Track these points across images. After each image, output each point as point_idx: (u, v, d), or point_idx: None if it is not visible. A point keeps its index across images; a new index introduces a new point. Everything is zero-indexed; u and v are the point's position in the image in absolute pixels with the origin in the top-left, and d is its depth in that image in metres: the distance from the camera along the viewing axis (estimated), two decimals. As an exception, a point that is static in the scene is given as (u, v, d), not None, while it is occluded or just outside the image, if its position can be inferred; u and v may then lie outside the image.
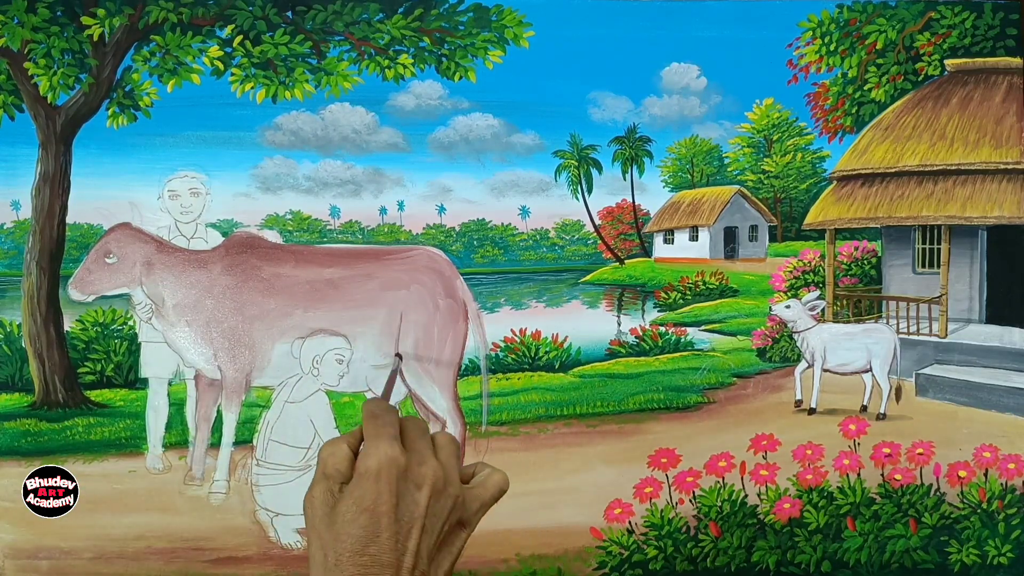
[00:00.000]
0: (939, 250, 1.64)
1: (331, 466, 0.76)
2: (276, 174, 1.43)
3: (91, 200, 1.41)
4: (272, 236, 1.44)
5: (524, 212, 1.51)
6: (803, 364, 1.55)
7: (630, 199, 1.52)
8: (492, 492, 0.81)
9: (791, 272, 1.57)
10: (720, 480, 1.48)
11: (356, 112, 1.44)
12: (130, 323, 1.43)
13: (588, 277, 1.54)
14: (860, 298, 1.61)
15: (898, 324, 1.61)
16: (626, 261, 1.55)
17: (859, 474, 1.49)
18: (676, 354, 1.53)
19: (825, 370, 1.55)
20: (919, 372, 1.59)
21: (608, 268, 1.54)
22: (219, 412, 1.43)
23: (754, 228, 1.62)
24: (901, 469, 1.50)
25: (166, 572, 1.38)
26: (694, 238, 1.62)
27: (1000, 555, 1.49)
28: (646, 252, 1.56)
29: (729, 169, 1.55)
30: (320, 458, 0.77)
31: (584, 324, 1.52)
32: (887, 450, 1.50)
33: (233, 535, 1.40)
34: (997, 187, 1.55)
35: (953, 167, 1.57)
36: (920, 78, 1.53)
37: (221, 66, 1.41)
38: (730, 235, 1.63)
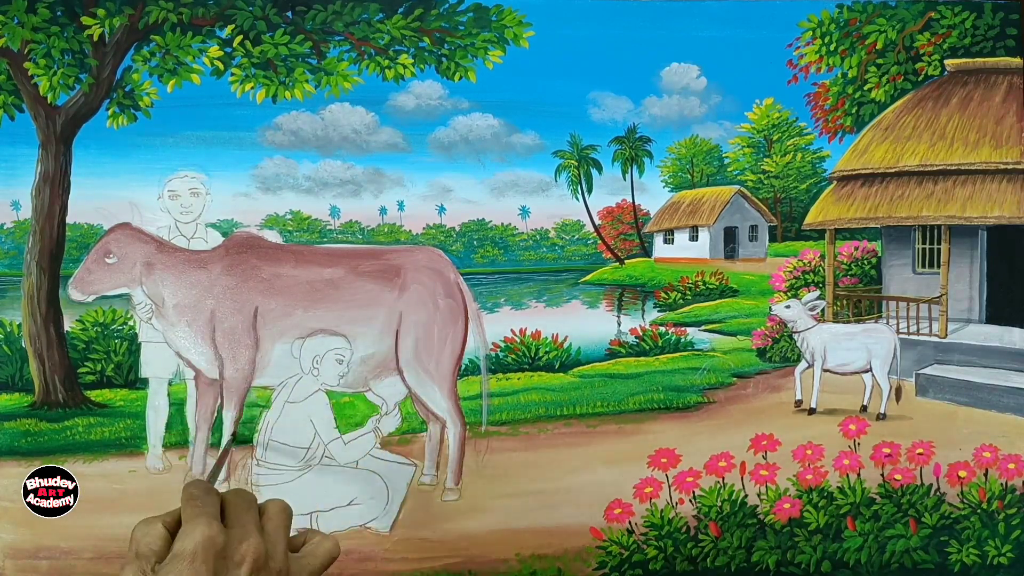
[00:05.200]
0: (939, 250, 1.64)
1: (144, 545, 0.76)
2: (276, 174, 1.43)
3: (91, 200, 1.40)
4: (272, 236, 1.44)
5: (524, 212, 1.51)
6: (803, 364, 1.55)
7: (630, 199, 1.52)
8: (322, 559, 0.82)
9: (791, 272, 1.57)
10: (720, 480, 1.48)
11: (356, 112, 1.44)
12: (130, 323, 1.43)
13: (588, 277, 1.54)
14: (860, 298, 1.61)
15: (898, 324, 1.61)
16: (626, 261, 1.55)
17: (859, 474, 1.49)
18: (676, 354, 1.53)
19: (825, 370, 1.55)
20: (919, 372, 1.59)
21: (608, 268, 1.54)
22: (219, 412, 1.43)
23: (754, 228, 1.62)
24: (901, 469, 1.50)
25: (166, 572, 1.38)
26: (694, 238, 1.62)
27: (1000, 555, 1.49)
28: (646, 252, 1.56)
29: (729, 169, 1.55)
30: (133, 537, 0.77)
31: (584, 324, 1.52)
32: (887, 450, 1.50)
33: (233, 535, 1.40)
34: (997, 187, 1.55)
35: (953, 167, 1.57)
36: (920, 78, 1.53)
37: (221, 66, 1.41)
38: (730, 235, 1.63)
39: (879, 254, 1.61)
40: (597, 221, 1.51)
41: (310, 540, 0.83)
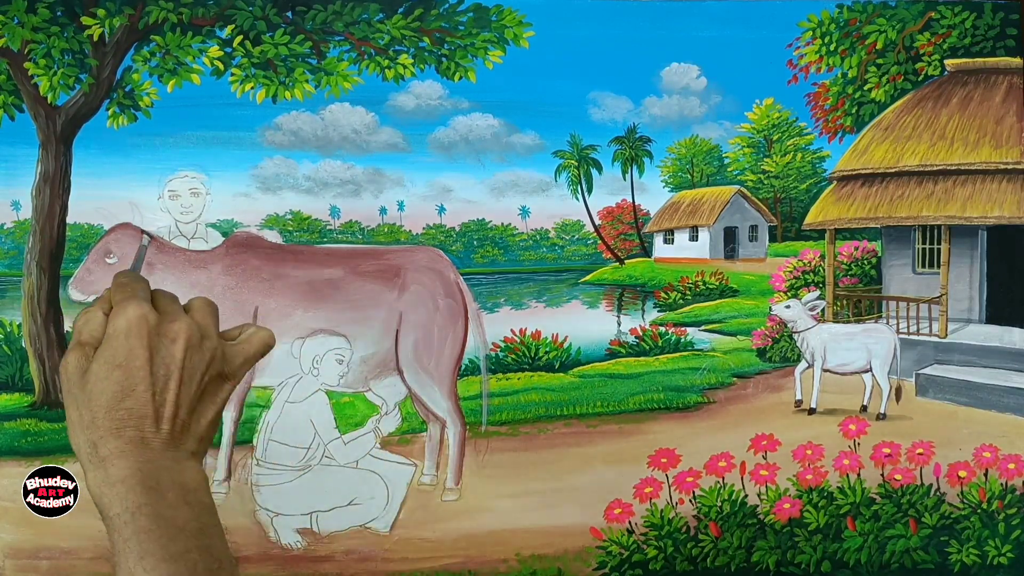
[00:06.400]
0: (939, 250, 1.64)
1: (86, 333, 0.76)
2: (276, 174, 1.43)
3: (91, 200, 1.41)
4: (272, 236, 1.44)
5: (524, 212, 1.51)
6: (803, 364, 1.55)
7: (630, 199, 1.52)
8: (257, 347, 0.83)
9: (791, 272, 1.57)
10: (720, 480, 1.48)
11: (356, 112, 1.44)
12: (130, 323, 1.43)
13: (588, 277, 1.54)
14: (860, 298, 1.61)
15: (898, 324, 1.61)
16: (626, 261, 1.55)
17: (859, 474, 1.49)
18: (676, 354, 1.53)
19: (825, 370, 1.55)
20: (919, 372, 1.59)
21: (608, 268, 1.54)
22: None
23: (754, 228, 1.62)
24: (901, 469, 1.50)
25: (166, 572, 1.38)
26: (694, 238, 1.62)
27: (1000, 555, 1.49)
28: (646, 252, 1.56)
29: (729, 169, 1.55)
30: (75, 328, 0.78)
31: (584, 324, 1.52)
32: (887, 450, 1.50)
33: (233, 535, 1.40)
34: (997, 187, 1.55)
35: (953, 167, 1.57)
36: (920, 78, 1.53)
37: (221, 66, 1.41)
38: (730, 235, 1.63)
39: (879, 254, 1.61)
40: (597, 221, 1.51)
41: (245, 331, 0.84)
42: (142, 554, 0.69)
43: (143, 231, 1.40)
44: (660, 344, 1.53)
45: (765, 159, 1.56)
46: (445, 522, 1.43)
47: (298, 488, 1.40)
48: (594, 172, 1.50)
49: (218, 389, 0.80)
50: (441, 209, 1.48)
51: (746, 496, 1.48)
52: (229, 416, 1.42)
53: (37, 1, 1.37)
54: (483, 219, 1.50)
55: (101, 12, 1.38)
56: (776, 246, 1.60)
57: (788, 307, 1.54)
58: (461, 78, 1.45)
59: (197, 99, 1.41)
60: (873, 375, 1.56)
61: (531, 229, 1.53)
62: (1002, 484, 1.50)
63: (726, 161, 1.54)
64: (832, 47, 1.51)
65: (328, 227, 1.46)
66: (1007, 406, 1.52)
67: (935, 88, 1.56)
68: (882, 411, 1.55)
